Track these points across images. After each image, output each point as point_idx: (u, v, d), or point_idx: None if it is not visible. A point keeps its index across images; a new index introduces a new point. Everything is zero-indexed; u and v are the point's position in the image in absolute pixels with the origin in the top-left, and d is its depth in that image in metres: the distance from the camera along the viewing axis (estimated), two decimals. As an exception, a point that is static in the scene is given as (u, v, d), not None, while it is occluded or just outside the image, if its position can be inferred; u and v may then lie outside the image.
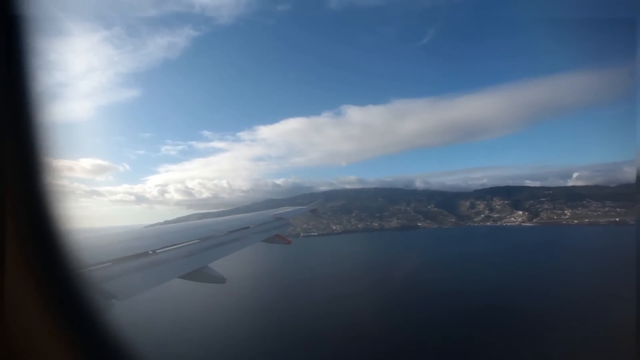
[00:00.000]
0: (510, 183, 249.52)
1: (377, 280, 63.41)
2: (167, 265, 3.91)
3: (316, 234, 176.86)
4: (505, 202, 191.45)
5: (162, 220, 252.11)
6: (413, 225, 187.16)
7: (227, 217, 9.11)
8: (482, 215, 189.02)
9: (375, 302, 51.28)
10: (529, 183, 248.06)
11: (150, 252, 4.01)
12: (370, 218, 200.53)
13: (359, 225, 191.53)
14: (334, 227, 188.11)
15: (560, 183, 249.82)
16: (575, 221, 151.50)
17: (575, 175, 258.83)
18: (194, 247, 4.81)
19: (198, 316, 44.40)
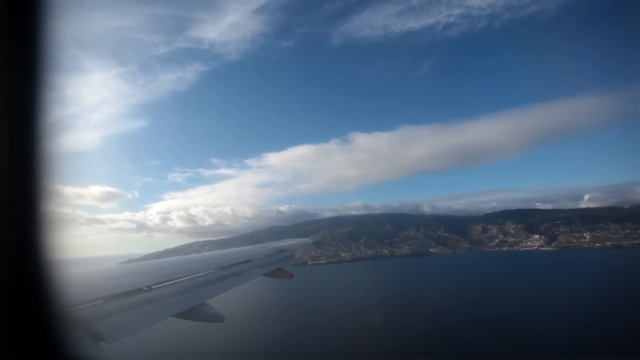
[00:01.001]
0: (521, 206, 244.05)
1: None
2: (162, 303, 3.72)
3: (325, 261, 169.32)
4: (519, 225, 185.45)
5: (162, 249, 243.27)
6: (425, 252, 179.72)
7: (227, 250, 8.87)
8: (497, 240, 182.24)
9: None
10: (539, 206, 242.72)
11: (145, 288, 3.82)
12: (379, 245, 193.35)
13: (369, 252, 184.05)
14: (343, 255, 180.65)
15: (572, 205, 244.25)
16: (597, 244, 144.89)
17: (586, 197, 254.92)
18: (191, 282, 4.54)
19: None
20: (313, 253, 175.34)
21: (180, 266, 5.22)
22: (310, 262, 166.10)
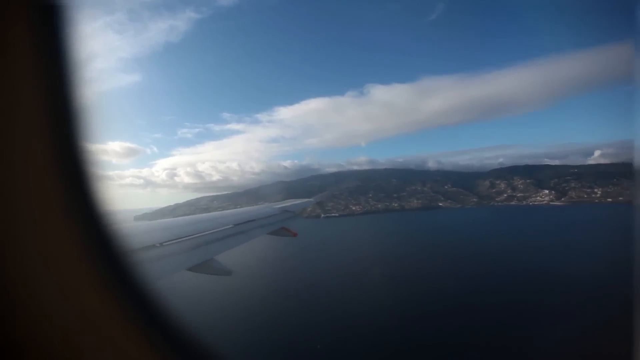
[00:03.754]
0: (529, 162, 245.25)
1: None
2: (175, 258, 4.04)
3: (337, 214, 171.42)
4: (528, 181, 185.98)
5: (172, 204, 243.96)
6: (434, 206, 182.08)
7: (233, 210, 8.74)
8: (505, 195, 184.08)
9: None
10: (548, 162, 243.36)
11: (158, 244, 4.12)
12: (388, 198, 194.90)
13: (379, 206, 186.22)
14: (354, 208, 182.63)
15: (581, 161, 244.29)
16: (609, 199, 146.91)
17: (597, 153, 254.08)
18: (199, 240, 4.86)
19: (205, 309, 41.02)
20: (325, 206, 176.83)
21: (188, 225, 5.35)
22: (323, 215, 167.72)
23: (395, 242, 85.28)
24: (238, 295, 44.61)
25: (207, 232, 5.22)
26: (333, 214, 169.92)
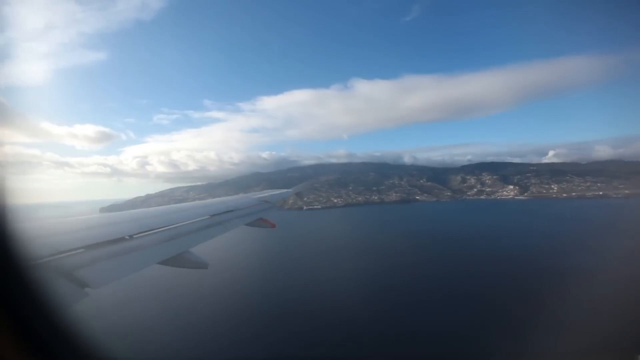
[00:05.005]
0: (494, 159, 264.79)
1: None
2: (145, 251, 3.83)
3: (319, 207, 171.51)
4: (494, 177, 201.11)
5: (143, 194, 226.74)
6: (412, 199, 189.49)
7: (209, 200, 8.48)
8: (475, 190, 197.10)
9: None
10: (509, 159, 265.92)
11: (127, 237, 3.89)
12: (368, 192, 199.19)
13: (359, 199, 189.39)
14: (335, 200, 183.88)
15: (537, 160, 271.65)
16: (564, 194, 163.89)
17: (551, 153, 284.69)
18: (173, 231, 4.65)
19: (179, 303, 39.75)
20: (306, 198, 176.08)
21: (160, 216, 5.16)
22: (305, 207, 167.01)
23: (385, 235, 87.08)
24: (215, 288, 43.02)
25: (181, 224, 4.96)
26: (315, 206, 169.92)
